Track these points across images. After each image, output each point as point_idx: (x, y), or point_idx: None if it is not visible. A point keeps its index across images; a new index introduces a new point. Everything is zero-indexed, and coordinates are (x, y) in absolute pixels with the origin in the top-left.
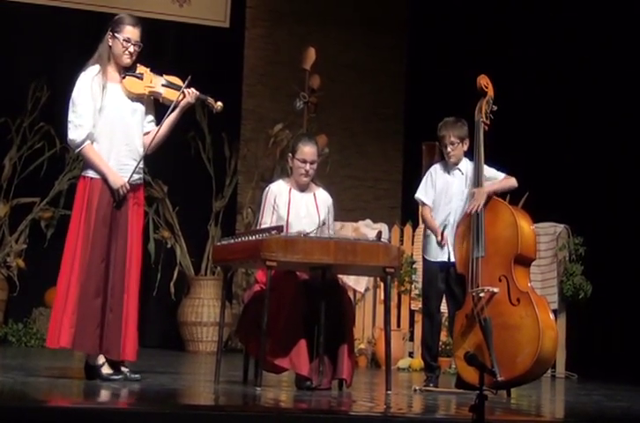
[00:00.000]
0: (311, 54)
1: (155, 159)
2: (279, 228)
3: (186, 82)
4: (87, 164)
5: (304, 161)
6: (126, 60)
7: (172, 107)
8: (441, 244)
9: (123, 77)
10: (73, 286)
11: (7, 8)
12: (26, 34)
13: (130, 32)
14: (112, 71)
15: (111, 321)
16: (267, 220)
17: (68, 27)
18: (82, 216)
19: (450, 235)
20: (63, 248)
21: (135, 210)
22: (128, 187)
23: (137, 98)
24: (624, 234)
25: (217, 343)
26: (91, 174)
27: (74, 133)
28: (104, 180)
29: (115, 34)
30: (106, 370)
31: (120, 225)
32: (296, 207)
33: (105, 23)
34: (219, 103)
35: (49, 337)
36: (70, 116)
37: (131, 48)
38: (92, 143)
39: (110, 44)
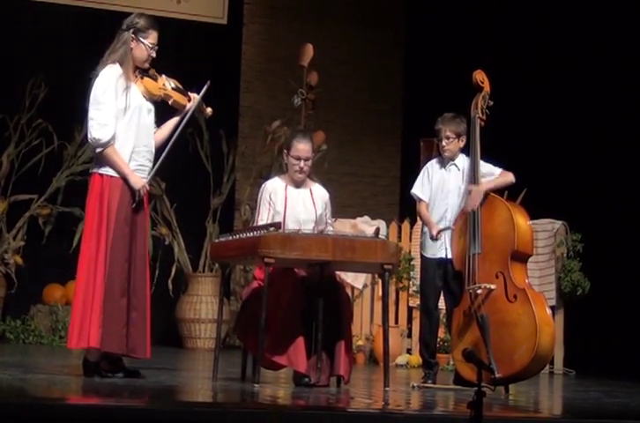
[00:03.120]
0: (309, 50)
1: None
2: (276, 225)
3: (204, 89)
4: (106, 163)
5: (298, 158)
6: (147, 64)
7: (184, 112)
8: (433, 238)
9: (141, 78)
10: (99, 286)
11: (5, 4)
12: (23, 31)
13: (155, 37)
14: (130, 71)
15: (136, 320)
16: (264, 217)
17: (66, 24)
18: (102, 215)
19: (447, 233)
20: (61, 245)
21: (146, 208)
22: (148, 187)
23: (150, 98)
24: (622, 231)
25: (215, 340)
26: (110, 171)
27: (99, 132)
28: (124, 180)
29: (141, 38)
30: (104, 367)
31: (138, 224)
32: (293, 203)
33: (103, 19)
34: (209, 109)
35: (73, 337)
36: (94, 114)
37: (154, 53)
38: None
39: (132, 46)
